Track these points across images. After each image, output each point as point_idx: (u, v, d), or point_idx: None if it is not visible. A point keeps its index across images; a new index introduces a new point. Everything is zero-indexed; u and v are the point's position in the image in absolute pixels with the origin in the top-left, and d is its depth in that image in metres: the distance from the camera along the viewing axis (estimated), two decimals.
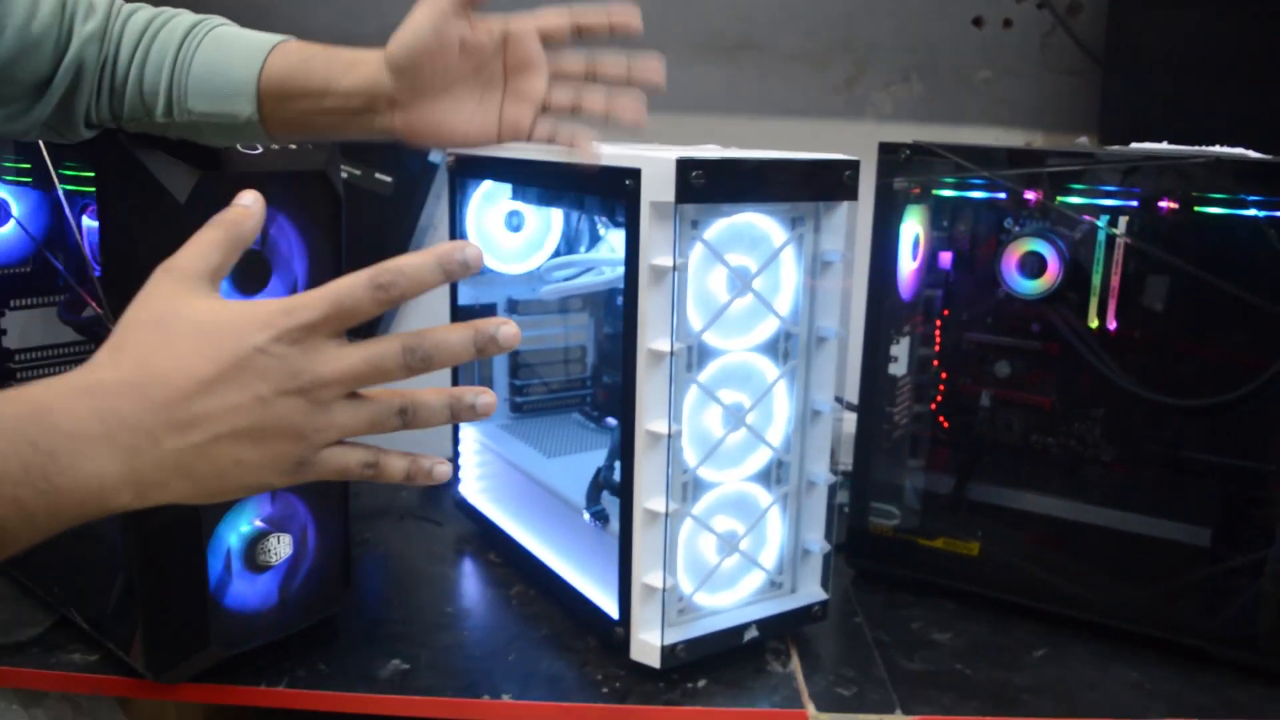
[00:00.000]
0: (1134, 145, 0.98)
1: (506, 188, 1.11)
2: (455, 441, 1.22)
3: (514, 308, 1.21)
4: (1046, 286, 0.99)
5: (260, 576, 0.88)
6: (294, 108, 0.72)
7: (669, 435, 0.83)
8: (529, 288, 1.20)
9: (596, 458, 1.03)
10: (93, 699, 1.06)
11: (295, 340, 0.48)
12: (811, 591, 0.96)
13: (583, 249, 1.19)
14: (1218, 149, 0.91)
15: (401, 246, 1.39)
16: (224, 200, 0.80)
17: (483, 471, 1.21)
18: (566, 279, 1.11)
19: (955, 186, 1.01)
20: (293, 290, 0.86)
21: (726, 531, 0.91)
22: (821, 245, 0.89)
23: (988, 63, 1.31)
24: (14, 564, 1.02)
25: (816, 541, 0.95)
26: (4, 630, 0.96)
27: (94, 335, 0.97)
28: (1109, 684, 0.90)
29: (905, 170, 1.01)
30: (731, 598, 0.93)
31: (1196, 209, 0.89)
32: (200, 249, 0.52)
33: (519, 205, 1.16)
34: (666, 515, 0.85)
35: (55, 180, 0.88)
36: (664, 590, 0.86)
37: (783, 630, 0.95)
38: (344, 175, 1.09)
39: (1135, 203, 0.92)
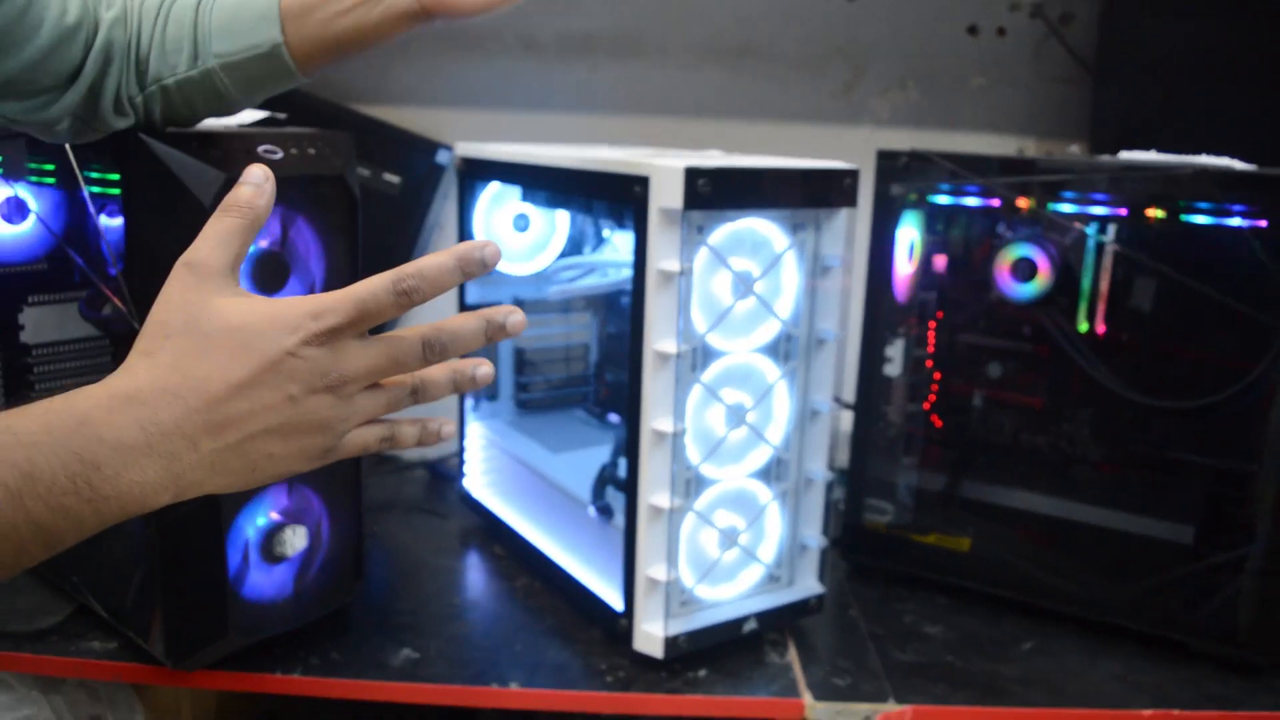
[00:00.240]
0: (1123, 154, 1.01)
1: (515, 189, 1.14)
2: (461, 437, 1.25)
3: (520, 307, 1.24)
4: (1037, 291, 1.02)
5: (276, 568, 0.91)
6: (316, 18, 0.74)
7: (673, 433, 0.86)
8: (535, 288, 1.23)
9: (600, 453, 1.06)
10: (110, 686, 1.08)
11: (323, 342, 0.51)
12: (808, 585, 0.99)
13: (588, 250, 1.22)
14: (1203, 159, 0.94)
15: (409, 245, 1.42)
16: None
17: (488, 466, 1.24)
18: (572, 280, 1.14)
19: (950, 193, 1.04)
20: (310, 290, 0.88)
21: (727, 526, 0.94)
22: (822, 250, 0.92)
23: (982, 70, 1.34)
24: None
25: (814, 537, 0.98)
26: (24, 618, 0.98)
27: (113, 332, 0.99)
28: (1094, 676, 0.94)
29: (902, 177, 1.04)
30: (731, 591, 0.96)
31: (1182, 217, 0.92)
32: (219, 239, 0.53)
33: (526, 207, 1.18)
34: (670, 510, 0.88)
35: (80, 180, 0.91)
36: (667, 583, 0.89)
37: (781, 622, 0.98)
38: None
39: (1124, 210, 0.95)
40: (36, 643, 0.95)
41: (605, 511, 1.01)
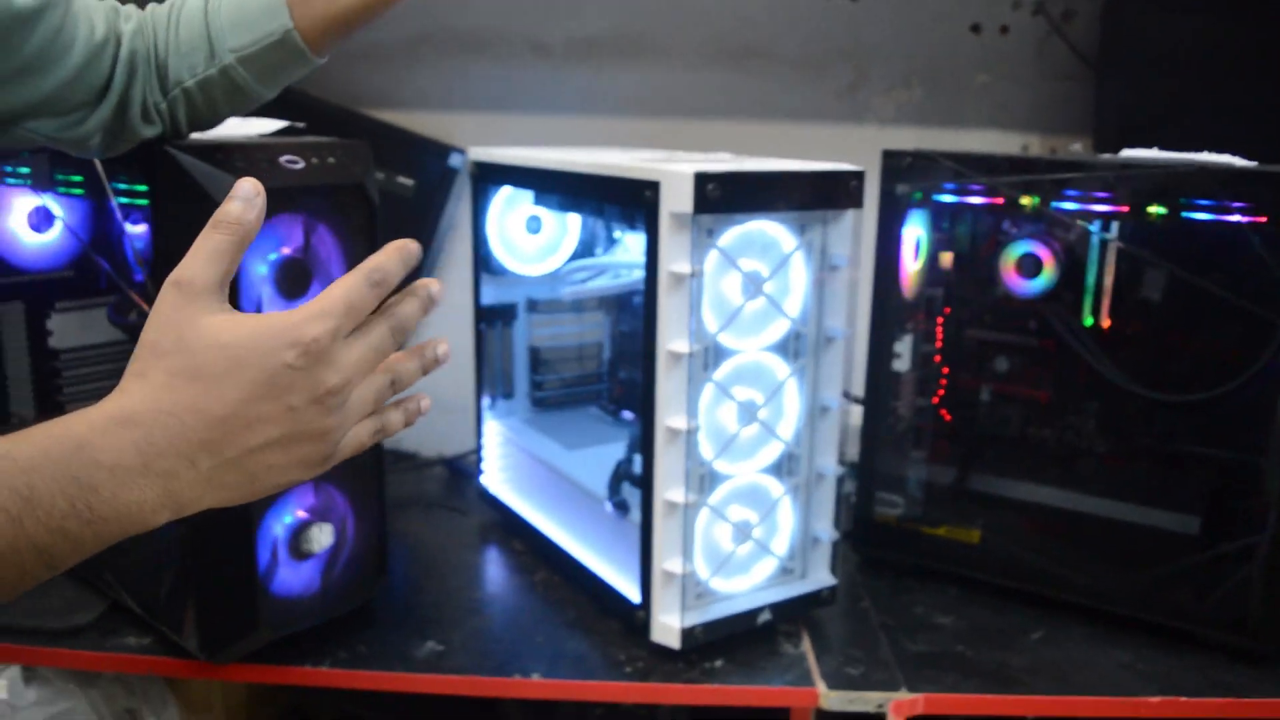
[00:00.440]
0: (1125, 152, 1.03)
1: (527, 193, 1.16)
2: (479, 435, 1.27)
3: (533, 307, 1.27)
4: (1042, 286, 1.04)
5: (304, 564, 0.94)
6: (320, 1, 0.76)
7: (687, 431, 0.89)
8: (549, 288, 1.26)
9: (615, 450, 1.08)
10: (144, 680, 1.12)
11: (320, 350, 0.51)
12: (821, 577, 1.01)
13: (600, 250, 1.25)
14: (1204, 156, 0.96)
15: (425, 245, 1.44)
16: (270, 213, 0.86)
17: (506, 463, 1.27)
18: (584, 281, 1.17)
19: (955, 192, 1.06)
20: None
21: (741, 521, 0.96)
22: (829, 250, 0.94)
23: (986, 68, 1.36)
24: None
25: (825, 530, 1.00)
26: (60, 615, 1.01)
27: (138, 337, 1.02)
28: (1103, 665, 0.96)
29: (907, 176, 1.06)
30: (746, 583, 0.99)
31: (1183, 214, 0.94)
32: (208, 256, 0.52)
33: (538, 210, 1.21)
34: (685, 505, 0.91)
35: (109, 191, 0.94)
36: (683, 576, 0.92)
37: (794, 613, 1.01)
38: None
39: (1125, 207, 0.97)
40: (72, 639, 0.98)
41: (621, 507, 1.04)
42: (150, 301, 0.91)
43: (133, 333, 1.06)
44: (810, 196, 0.90)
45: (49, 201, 1.07)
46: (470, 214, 1.22)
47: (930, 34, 1.35)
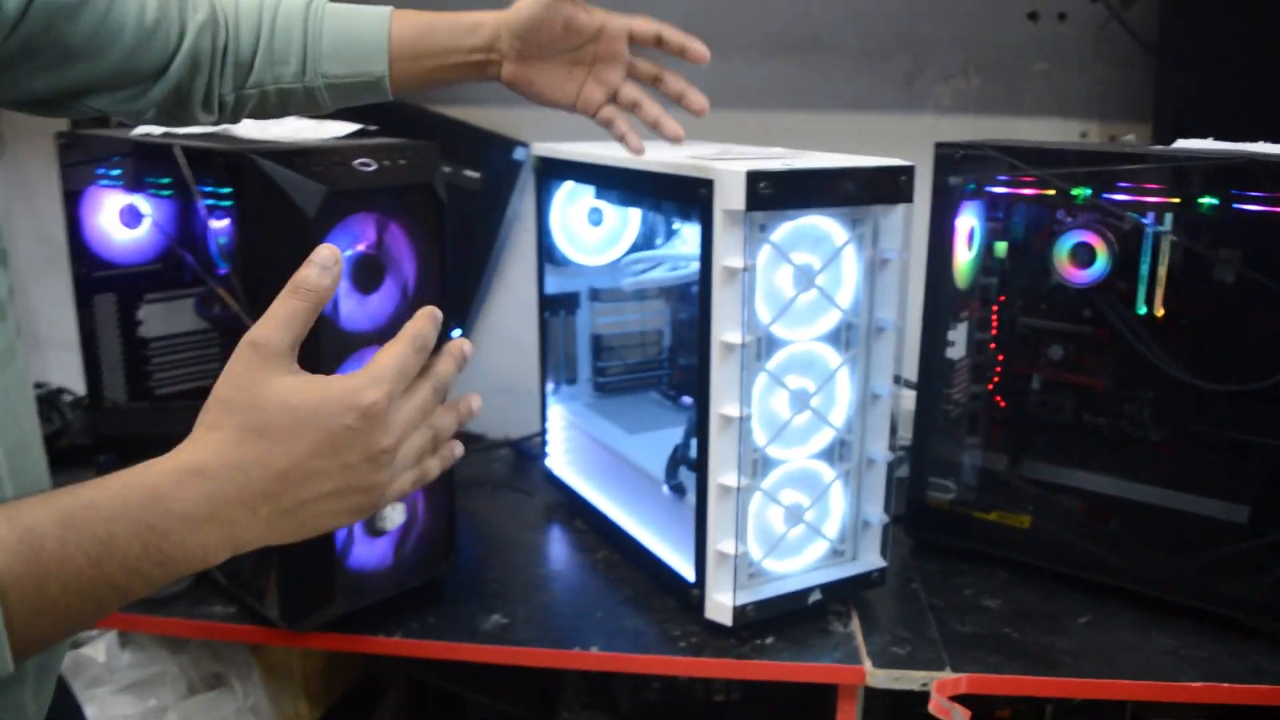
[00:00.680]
0: (1178, 143, 1.04)
1: (588, 187, 1.20)
2: (543, 419, 1.32)
3: (596, 296, 1.31)
4: (1096, 275, 1.05)
5: (378, 541, 1.00)
6: (423, 65, 0.85)
7: (739, 418, 0.92)
8: (610, 278, 1.30)
9: (674, 434, 1.12)
10: (230, 646, 1.19)
11: (378, 413, 0.56)
12: (871, 559, 1.04)
13: (659, 241, 1.29)
14: (1258, 147, 0.96)
15: (490, 237, 1.50)
16: (345, 213, 0.91)
17: (569, 446, 1.32)
18: (643, 271, 1.21)
19: (1008, 184, 1.08)
20: (404, 290, 0.96)
21: (793, 504, 1.00)
22: (880, 243, 0.97)
23: (1044, 56, 1.36)
24: None
25: (876, 514, 1.03)
26: None
27: (223, 328, 1.09)
28: (1147, 649, 0.97)
29: (960, 168, 1.08)
30: (797, 564, 1.02)
31: (1234, 205, 0.95)
32: (285, 321, 0.55)
33: (600, 203, 1.25)
34: (738, 489, 0.94)
35: (194, 192, 1.00)
36: (735, 557, 0.96)
37: (844, 594, 1.04)
38: None
39: (1177, 198, 0.98)
40: (163, 607, 1.06)
41: (678, 490, 1.08)
42: (233, 293, 0.98)
43: (216, 324, 1.13)
44: (861, 192, 0.93)
45: (138, 200, 1.14)
46: (534, 206, 1.26)
47: (987, 23, 1.36)
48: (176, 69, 0.80)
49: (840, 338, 0.99)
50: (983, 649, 0.97)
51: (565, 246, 1.27)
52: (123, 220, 1.18)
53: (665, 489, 1.09)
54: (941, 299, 1.12)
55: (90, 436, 1.35)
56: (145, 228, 1.16)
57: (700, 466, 0.96)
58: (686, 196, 0.92)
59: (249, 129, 1.02)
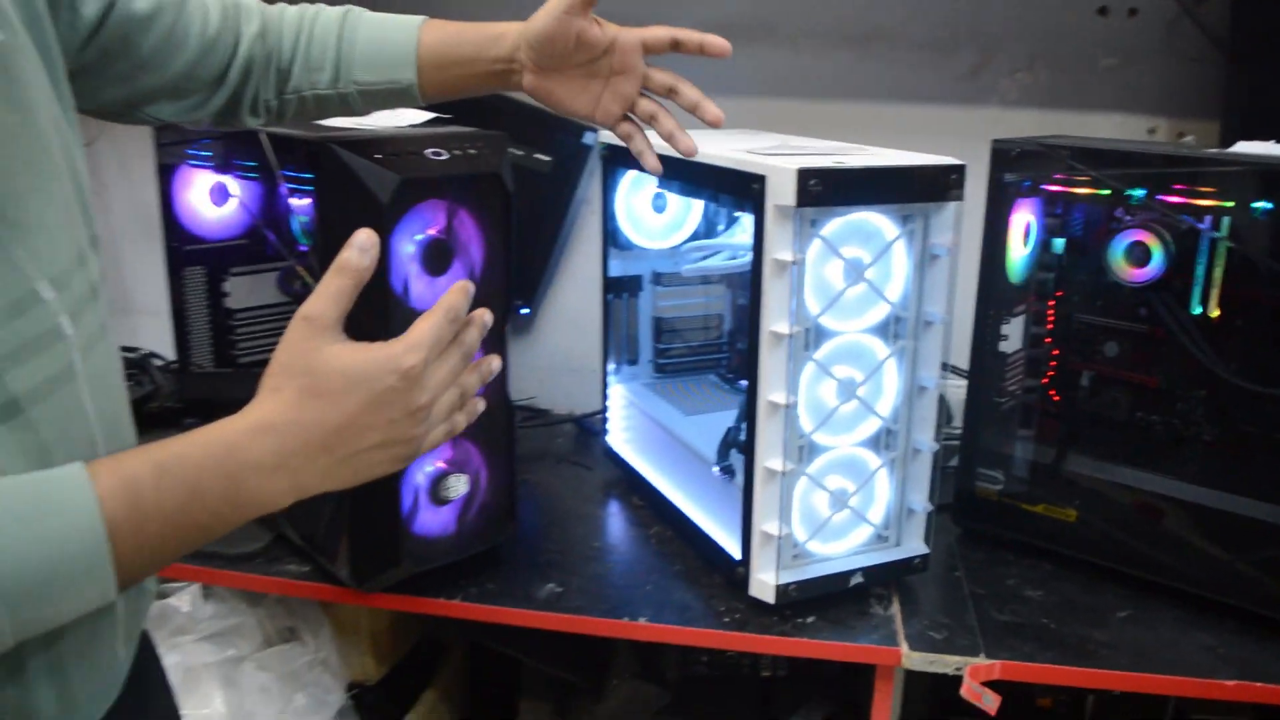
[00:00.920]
0: (1238, 146, 1.04)
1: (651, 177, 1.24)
2: (604, 397, 1.37)
3: (658, 279, 1.35)
4: (1151, 274, 1.06)
5: (442, 509, 1.06)
6: (449, 74, 0.88)
7: (786, 405, 0.96)
8: (672, 262, 1.33)
9: (728, 417, 1.16)
10: (303, 603, 1.27)
11: (415, 376, 0.63)
12: (914, 546, 1.07)
13: (721, 228, 1.32)
14: None
15: (560, 219, 1.54)
16: (417, 200, 0.96)
17: (628, 424, 1.36)
18: (703, 258, 1.24)
19: (1063, 182, 1.09)
20: (471, 272, 1.01)
21: (838, 489, 1.03)
22: (930, 239, 0.99)
23: (1112, 50, 1.35)
24: None
25: (920, 502, 1.06)
26: (233, 543, 1.16)
27: (302, 301, 1.15)
28: (1185, 645, 0.99)
29: (1017, 165, 1.09)
30: (841, 547, 1.06)
31: None
32: (331, 297, 0.62)
33: (663, 190, 1.28)
34: (783, 473, 0.98)
35: (278, 175, 1.06)
36: (779, 538, 0.99)
37: (886, 578, 1.07)
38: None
39: (1233, 202, 0.98)
40: (243, 564, 1.13)
41: (728, 471, 1.12)
42: (311, 271, 1.04)
43: (296, 299, 1.19)
44: (911, 190, 0.95)
45: (227, 180, 1.21)
46: (600, 191, 1.30)
47: (1056, 17, 1.36)
48: (233, 78, 0.85)
49: (889, 330, 1.01)
50: (1019, 637, 1.00)
51: (629, 231, 1.31)
52: (212, 198, 1.25)
53: (716, 470, 1.13)
54: (994, 293, 1.14)
55: (178, 400, 1.44)
56: (232, 206, 1.23)
57: (748, 450, 1.00)
58: (740, 190, 0.96)
59: None
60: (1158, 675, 0.94)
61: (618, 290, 1.34)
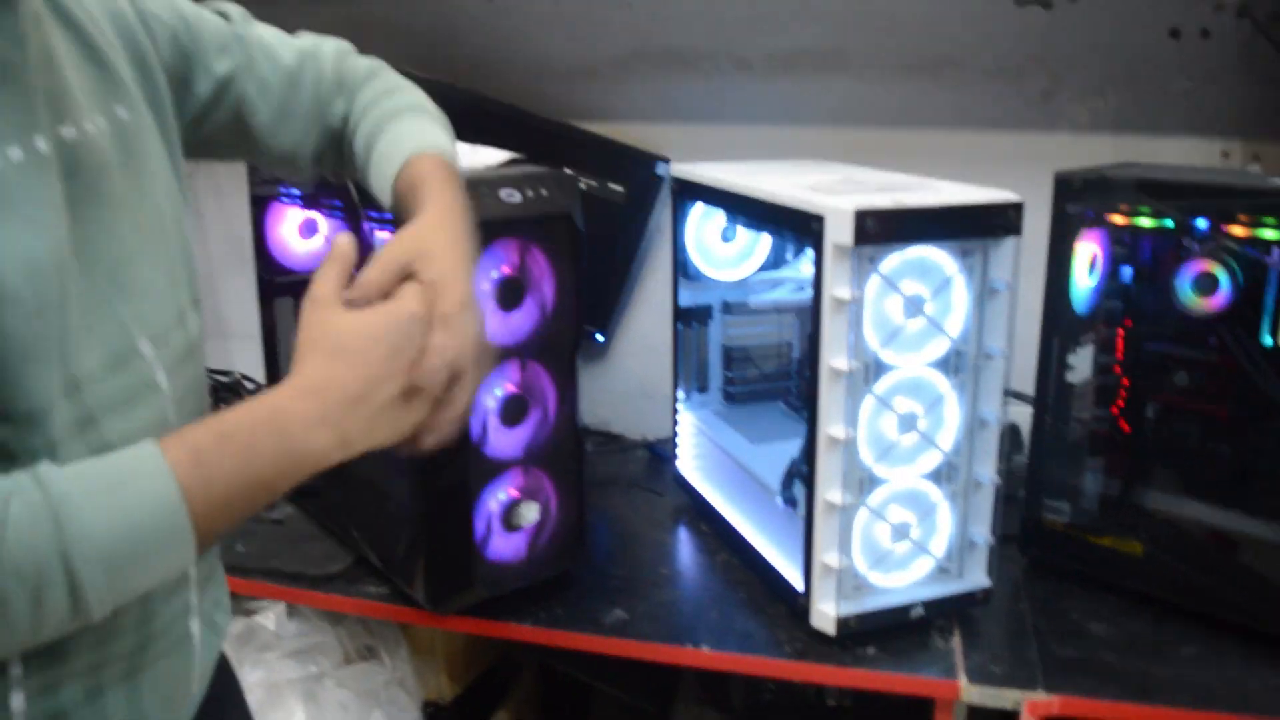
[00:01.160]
0: None
1: (718, 209, 1.27)
2: (674, 424, 1.40)
3: (728, 309, 1.37)
4: (1220, 304, 1.05)
5: (514, 535, 1.10)
6: (409, 208, 0.86)
7: (845, 439, 0.98)
8: (741, 292, 1.36)
9: (794, 446, 1.18)
10: (381, 623, 1.32)
11: (419, 317, 0.68)
12: (977, 578, 1.08)
13: (789, 258, 1.34)
14: None
15: (633, 249, 1.58)
16: (491, 238, 1.00)
17: (698, 451, 1.39)
18: (772, 289, 1.27)
19: (1128, 213, 1.08)
20: (542, 308, 1.06)
21: (900, 522, 1.04)
22: (990, 273, 1.00)
23: (1185, 73, 1.34)
24: (326, 514, 1.29)
25: (982, 534, 1.06)
26: (316, 564, 1.22)
27: None
28: (1250, 685, 0.98)
29: (1080, 196, 1.09)
30: (903, 579, 1.07)
31: None
32: (328, 278, 0.69)
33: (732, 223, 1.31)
34: (842, 506, 1.00)
35: (360, 213, 1.12)
36: (839, 570, 1.01)
37: (948, 611, 1.08)
38: (582, 186, 1.28)
39: None
40: (325, 584, 1.19)
41: (790, 502, 1.14)
42: None
43: None
44: (969, 227, 0.97)
45: (316, 216, 1.27)
46: (671, 221, 1.34)
47: (1127, 40, 1.35)
48: (326, 155, 0.91)
49: (949, 364, 1.02)
50: (1080, 673, 1.00)
51: (699, 261, 1.33)
52: (301, 233, 1.32)
53: (779, 501, 1.15)
54: (1060, 324, 1.14)
55: None
56: (319, 241, 1.30)
57: (809, 482, 1.02)
58: (801, 228, 0.98)
59: None
60: (1222, 713, 0.93)
61: (688, 319, 1.36)
